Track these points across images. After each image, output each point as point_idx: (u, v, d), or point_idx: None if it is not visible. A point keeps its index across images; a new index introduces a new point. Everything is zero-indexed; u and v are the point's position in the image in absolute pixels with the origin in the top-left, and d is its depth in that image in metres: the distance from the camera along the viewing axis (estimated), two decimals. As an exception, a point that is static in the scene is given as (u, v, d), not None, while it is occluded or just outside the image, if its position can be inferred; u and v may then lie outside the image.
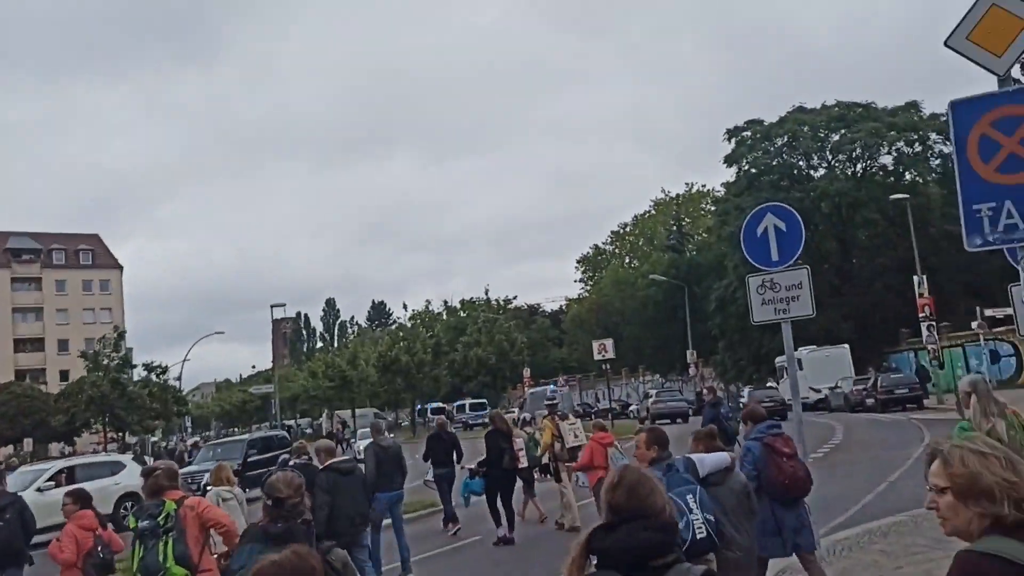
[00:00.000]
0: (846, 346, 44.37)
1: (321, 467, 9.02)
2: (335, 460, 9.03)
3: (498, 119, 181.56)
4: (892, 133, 50.07)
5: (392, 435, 17.23)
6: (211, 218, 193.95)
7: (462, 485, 14.68)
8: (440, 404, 65.79)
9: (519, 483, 14.12)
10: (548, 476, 14.51)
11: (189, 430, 64.43)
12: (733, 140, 54.97)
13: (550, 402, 15.89)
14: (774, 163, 53.69)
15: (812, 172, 53.77)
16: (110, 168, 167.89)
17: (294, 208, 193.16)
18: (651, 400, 51.14)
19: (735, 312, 53.62)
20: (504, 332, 65.49)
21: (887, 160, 52.31)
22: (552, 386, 58.99)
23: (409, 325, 69.37)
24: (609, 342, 40.06)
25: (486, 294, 75.73)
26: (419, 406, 70.53)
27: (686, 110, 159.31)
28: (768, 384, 51.69)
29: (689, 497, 4.71)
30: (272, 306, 47.28)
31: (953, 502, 2.22)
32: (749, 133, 54.66)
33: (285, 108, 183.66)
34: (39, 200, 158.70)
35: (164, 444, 54.61)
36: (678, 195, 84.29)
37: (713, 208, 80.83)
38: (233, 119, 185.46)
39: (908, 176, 51.08)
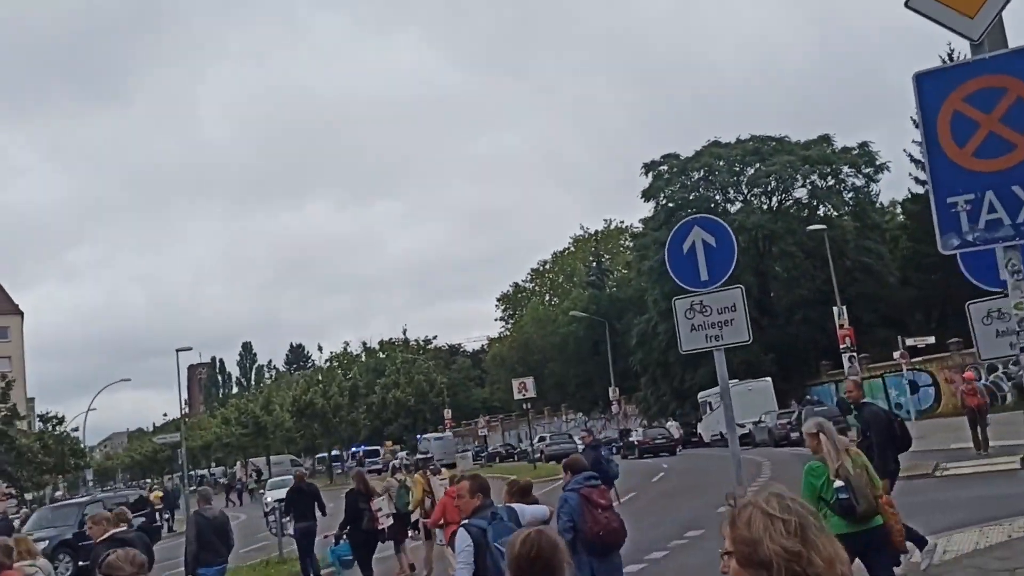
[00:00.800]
0: (768, 379, 44.23)
1: (97, 541, 7.92)
2: (117, 531, 8.01)
3: (414, 160, 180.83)
4: (806, 166, 50.73)
5: (307, 483, 16.71)
6: (121, 262, 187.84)
7: (329, 552, 14.25)
8: (363, 447, 63.76)
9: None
10: (418, 532, 14.14)
11: (91, 483, 60.71)
12: (650, 174, 54.99)
13: (422, 455, 15.99)
14: (691, 197, 53.78)
15: (729, 206, 54.03)
16: (12, 211, 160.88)
17: (208, 251, 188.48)
18: (545, 443, 53.50)
19: (657, 347, 53.27)
20: (423, 372, 63.88)
21: (801, 193, 52.94)
22: (435, 435, 57.81)
23: (325, 367, 67.04)
24: (529, 380, 39.07)
25: (404, 334, 74.05)
26: (335, 452, 68.13)
27: (601, 148, 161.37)
28: (669, 424, 51.17)
29: None
30: (178, 350, 44.56)
31: (737, 568, 1.93)
32: (666, 167, 54.77)
33: (198, 150, 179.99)
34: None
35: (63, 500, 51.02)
36: (597, 231, 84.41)
37: (631, 244, 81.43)
38: (144, 161, 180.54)
39: (822, 209, 51.71)
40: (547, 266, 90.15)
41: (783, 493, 1.97)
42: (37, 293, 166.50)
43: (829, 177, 51.61)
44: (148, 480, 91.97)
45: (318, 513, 14.88)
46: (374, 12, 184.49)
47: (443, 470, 15.22)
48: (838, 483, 5.90)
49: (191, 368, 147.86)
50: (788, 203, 53.39)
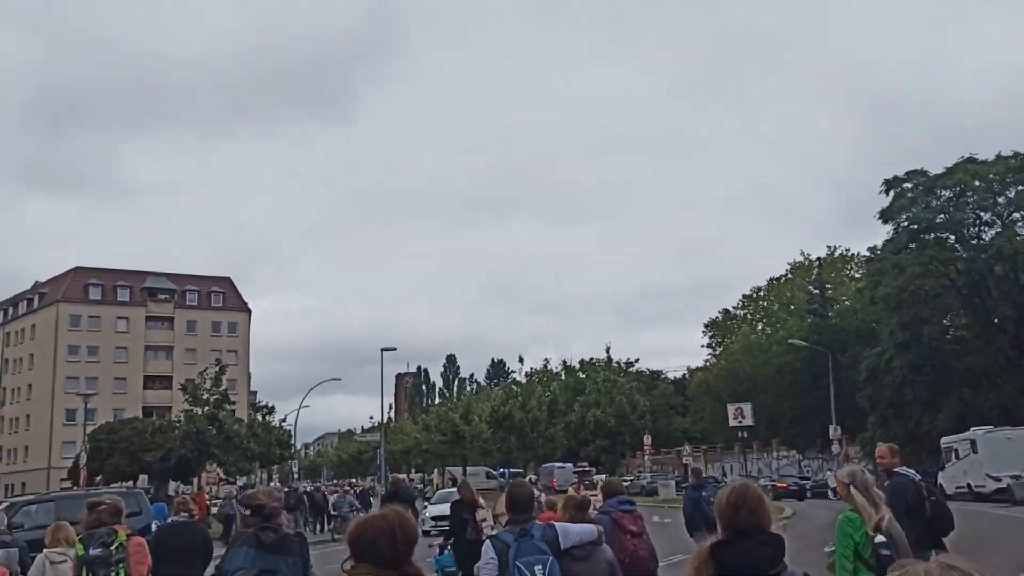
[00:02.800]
0: (1031, 427, 38.04)
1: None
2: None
3: (621, 186, 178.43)
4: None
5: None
6: (343, 275, 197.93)
7: (433, 562, 14.04)
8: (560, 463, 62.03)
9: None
10: None
11: (297, 476, 62.72)
12: (891, 192, 49.64)
13: (580, 470, 13.73)
14: (938, 219, 48.06)
15: (984, 230, 47.87)
16: (252, 223, 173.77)
17: (421, 268, 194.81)
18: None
19: (890, 383, 47.85)
20: (625, 394, 61.13)
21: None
22: (558, 464, 54.56)
23: (524, 381, 65.90)
24: (747, 406, 35.70)
25: (607, 352, 71.46)
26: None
27: (813, 180, 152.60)
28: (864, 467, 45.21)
29: (538, 568, 4.66)
30: (383, 350, 44.80)
31: None
32: (910, 185, 49.26)
33: (416, 171, 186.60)
34: (181, 254, 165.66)
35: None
36: (819, 258, 78.40)
37: (863, 270, 74.82)
38: (366, 181, 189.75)
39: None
40: (760, 292, 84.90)
41: (956, 564, 1.58)
42: (267, 300, 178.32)
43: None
44: (350, 480, 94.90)
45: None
46: (589, 39, 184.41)
47: (595, 487, 14.71)
48: (879, 538, 5.57)
49: (398, 377, 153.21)
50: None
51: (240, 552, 4.35)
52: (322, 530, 32.10)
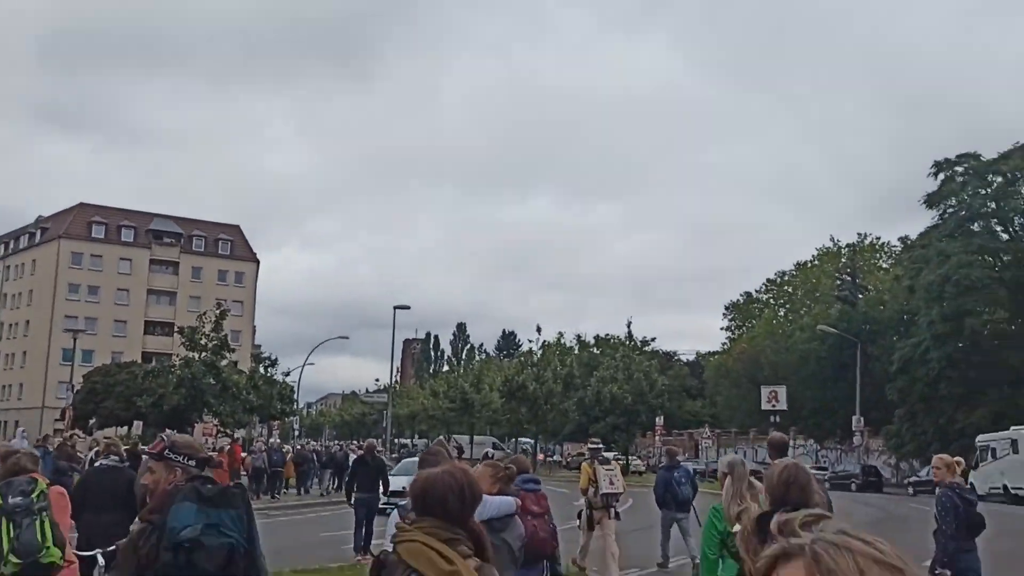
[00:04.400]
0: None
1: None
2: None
3: (643, 164, 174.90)
4: None
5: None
6: (355, 236, 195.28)
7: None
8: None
9: None
10: (579, 520, 13.63)
11: (298, 433, 60.78)
12: (941, 176, 46.92)
13: (593, 446, 14.35)
14: (989, 207, 45.38)
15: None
16: (265, 177, 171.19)
17: (435, 234, 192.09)
18: None
19: (924, 376, 45.40)
20: (644, 371, 58.78)
21: None
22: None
23: (539, 354, 63.60)
24: (782, 389, 33.33)
25: (628, 327, 68.54)
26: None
27: (841, 170, 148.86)
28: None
29: None
30: (395, 307, 42.55)
31: None
32: (961, 169, 46.55)
33: (435, 136, 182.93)
34: (190, 201, 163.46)
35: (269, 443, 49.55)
36: (849, 245, 75.63)
37: (885, 266, 72.07)
38: (384, 142, 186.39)
39: None
40: (785, 277, 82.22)
41: (848, 530, 1.27)
42: (276, 254, 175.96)
43: None
44: (353, 441, 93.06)
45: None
46: (622, 12, 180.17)
47: (612, 461, 14.22)
48: (737, 527, 5.35)
49: (406, 342, 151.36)
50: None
51: (183, 507, 3.98)
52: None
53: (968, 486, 8.53)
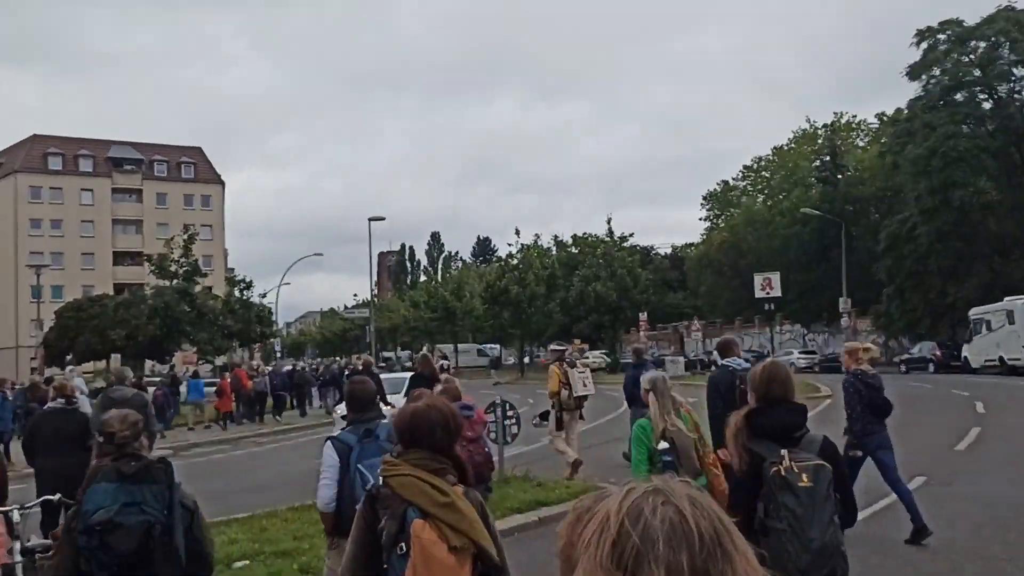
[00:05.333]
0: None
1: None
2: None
3: (606, 59, 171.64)
4: None
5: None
6: (321, 152, 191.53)
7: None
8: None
9: None
10: (545, 422, 13.64)
11: (280, 355, 59.90)
12: (923, 45, 45.35)
13: (558, 347, 14.65)
14: (973, 75, 44.01)
15: (1021, 85, 44.02)
16: (221, 97, 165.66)
17: (402, 144, 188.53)
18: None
19: (911, 253, 44.83)
20: (627, 267, 57.96)
21: None
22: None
23: (520, 256, 62.39)
24: (775, 276, 32.54)
25: (608, 223, 67.08)
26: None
27: (807, 54, 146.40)
28: (922, 344, 43.11)
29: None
30: (370, 219, 41.07)
31: None
32: (943, 36, 44.97)
33: (395, 45, 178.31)
34: (148, 126, 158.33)
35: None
36: (826, 125, 74.15)
37: (861, 144, 70.81)
38: (344, 54, 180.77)
39: None
40: (762, 163, 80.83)
41: (665, 489, 1.10)
42: (241, 175, 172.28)
43: None
44: (337, 357, 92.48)
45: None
46: None
47: (578, 363, 14.03)
48: (663, 444, 5.80)
49: (381, 255, 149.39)
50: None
51: (98, 489, 3.82)
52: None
53: (872, 373, 8.49)
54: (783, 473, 3.79)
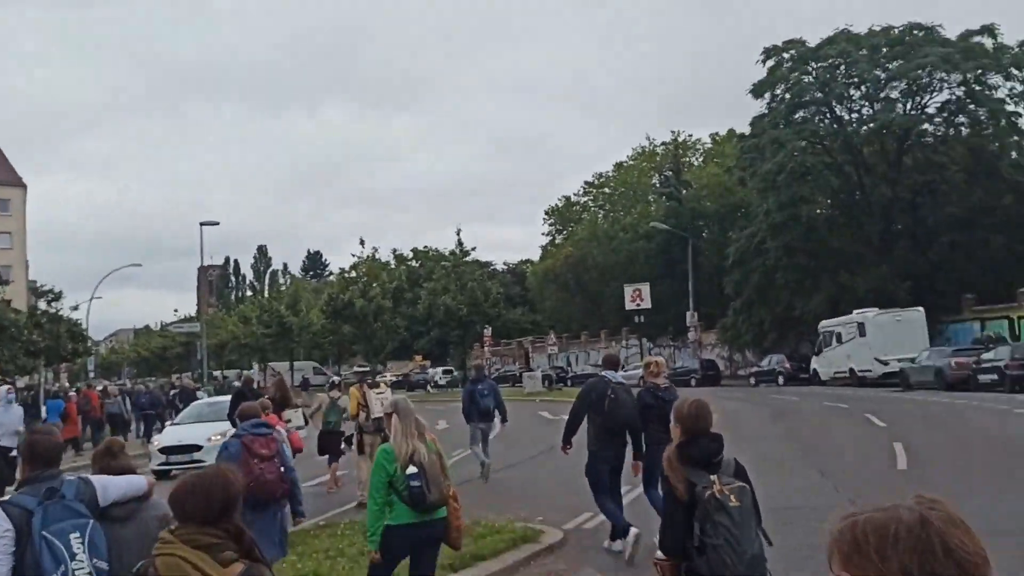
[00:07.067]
0: (921, 310, 36.28)
1: None
2: None
3: (435, 75, 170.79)
4: (964, 62, 41.80)
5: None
6: (135, 158, 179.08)
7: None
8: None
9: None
10: (351, 447, 13.67)
11: (92, 375, 53.80)
12: (768, 62, 46.25)
13: (360, 369, 14.94)
14: (816, 95, 45.16)
15: (863, 104, 45.63)
16: (19, 95, 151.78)
17: (223, 153, 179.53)
18: None
19: (760, 267, 45.38)
20: (476, 280, 56.14)
21: (949, 95, 44.05)
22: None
23: (365, 267, 58.96)
24: (645, 287, 31.60)
25: (458, 234, 64.19)
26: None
27: (631, 74, 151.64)
28: (773, 357, 43.83)
29: (74, 536, 3.65)
30: (202, 224, 37.16)
31: None
32: (788, 56, 46.03)
33: (215, 47, 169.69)
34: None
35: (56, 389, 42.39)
36: (665, 143, 75.51)
37: (697, 162, 72.56)
38: (158, 55, 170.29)
39: (981, 113, 42.91)
40: (602, 179, 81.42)
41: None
42: (46, 182, 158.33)
43: (988, 76, 42.80)
44: (153, 378, 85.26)
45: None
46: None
47: (382, 384, 14.03)
48: (411, 469, 5.57)
49: (201, 270, 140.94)
50: (933, 104, 44.71)
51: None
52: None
53: (665, 386, 9.16)
54: (717, 496, 4.18)
